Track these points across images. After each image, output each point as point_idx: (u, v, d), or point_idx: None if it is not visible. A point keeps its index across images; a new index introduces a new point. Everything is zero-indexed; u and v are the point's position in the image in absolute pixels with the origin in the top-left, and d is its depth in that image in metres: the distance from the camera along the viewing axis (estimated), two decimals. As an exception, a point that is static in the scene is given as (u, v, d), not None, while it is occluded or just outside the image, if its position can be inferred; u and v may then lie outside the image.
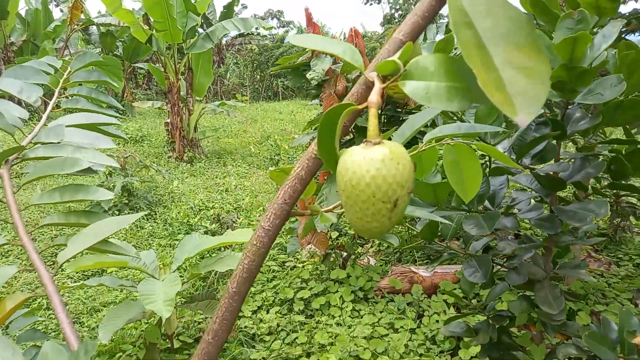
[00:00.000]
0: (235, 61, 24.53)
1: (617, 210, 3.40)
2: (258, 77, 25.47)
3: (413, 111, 3.23)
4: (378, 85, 0.47)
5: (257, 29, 12.81)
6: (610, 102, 1.52)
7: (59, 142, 1.12)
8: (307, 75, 2.82)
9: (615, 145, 1.79)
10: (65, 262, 0.81)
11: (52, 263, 3.83)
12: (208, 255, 3.51)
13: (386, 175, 0.42)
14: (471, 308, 2.05)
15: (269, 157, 6.13)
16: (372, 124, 0.45)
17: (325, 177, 3.16)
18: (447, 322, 2.06)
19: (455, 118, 1.62)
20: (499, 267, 1.89)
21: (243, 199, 5.48)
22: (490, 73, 0.42)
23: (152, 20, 7.49)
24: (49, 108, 1.44)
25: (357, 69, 2.05)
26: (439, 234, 1.88)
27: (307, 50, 3.15)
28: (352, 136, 2.99)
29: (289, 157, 7.66)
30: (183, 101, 8.57)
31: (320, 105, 2.96)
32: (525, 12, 2.05)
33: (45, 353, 0.61)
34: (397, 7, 35.74)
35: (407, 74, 0.46)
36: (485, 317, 1.98)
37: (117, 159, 5.06)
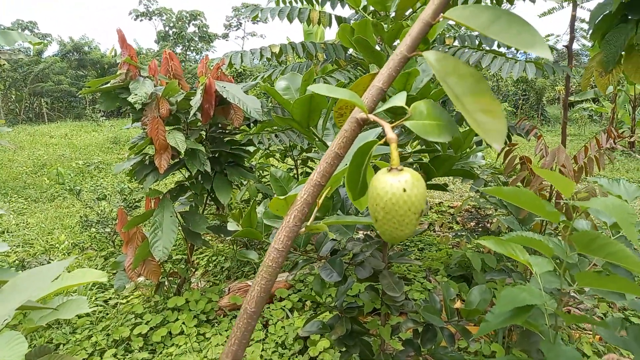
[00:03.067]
0: (-22, 78, 20.77)
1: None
2: (14, 96, 22.01)
3: (233, 132, 3.35)
4: (387, 125, 0.61)
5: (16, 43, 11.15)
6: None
7: None
8: (129, 99, 2.68)
9: (421, 155, 2.24)
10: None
11: None
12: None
13: (417, 193, 0.57)
14: (325, 307, 2.27)
15: (68, 187, 5.43)
16: (395, 155, 0.59)
17: (153, 204, 3.04)
18: (304, 325, 2.24)
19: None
20: (346, 265, 2.15)
21: (35, 239, 4.76)
22: (469, 116, 0.60)
23: None
24: None
25: (189, 94, 2.13)
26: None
27: (119, 73, 2.99)
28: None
29: (91, 185, 6.88)
30: None
31: (144, 129, 2.85)
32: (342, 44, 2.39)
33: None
34: (171, 24, 35.16)
35: (411, 116, 0.61)
36: (334, 313, 2.23)
37: None
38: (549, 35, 10.07)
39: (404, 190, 0.56)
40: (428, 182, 2.16)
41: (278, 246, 0.65)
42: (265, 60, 3.57)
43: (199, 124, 3.06)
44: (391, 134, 0.60)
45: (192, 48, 33.95)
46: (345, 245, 2.09)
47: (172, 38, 34.48)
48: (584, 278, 1.13)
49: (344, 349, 2.21)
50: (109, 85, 2.93)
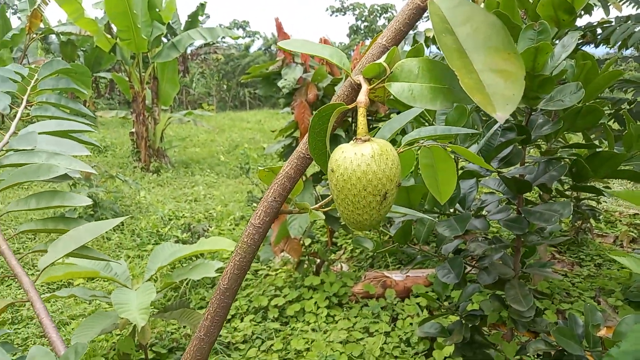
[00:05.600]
0: (200, 70, 24.31)
1: (579, 213, 3.55)
2: (225, 86, 25.32)
3: (382, 119, 3.29)
4: (365, 87, 0.50)
5: (223, 38, 12.77)
6: (570, 109, 1.60)
7: (32, 149, 1.11)
8: (279, 84, 2.85)
9: (575, 150, 1.88)
10: (45, 268, 0.80)
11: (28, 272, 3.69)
12: (179, 264, 3.46)
13: (376, 170, 0.45)
14: (444, 309, 2.10)
15: (239, 166, 6.10)
16: (362, 122, 0.48)
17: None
18: (422, 324, 2.10)
19: (426, 123, 1.68)
20: (470, 268, 1.94)
21: (213, 208, 5.44)
22: (471, 76, 0.46)
23: (115, 29, 7.38)
24: (18, 116, 1.41)
25: (336, 79, 2.09)
26: (412, 237, 1.92)
27: (277, 59, 3.18)
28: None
29: (258, 166, 7.64)
30: (148, 110, 8.45)
31: (292, 113, 2.99)
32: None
33: (33, 357, 0.60)
34: (362, 18, 36.31)
35: (393, 76, 0.49)
36: (458, 318, 2.03)
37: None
38: None
39: (359, 165, 0.45)
40: (582, 184, 1.80)
41: (255, 221, 0.59)
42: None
43: (346, 109, 3.08)
44: (362, 97, 0.49)
45: (380, 40, 34.60)
46: (467, 246, 1.88)
47: (362, 31, 35.61)
48: None
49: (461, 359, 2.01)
50: (268, 71, 3.14)
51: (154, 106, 8.52)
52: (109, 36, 7.69)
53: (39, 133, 1.24)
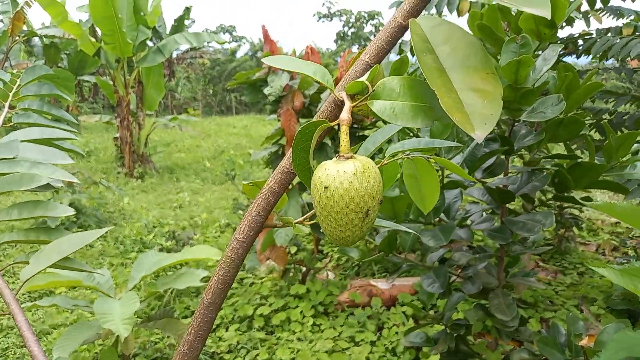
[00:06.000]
0: (186, 75, 24.15)
1: (561, 222, 3.60)
2: (211, 91, 25.21)
3: (368, 127, 3.31)
4: (348, 104, 0.50)
5: (209, 43, 12.72)
6: (552, 120, 1.63)
7: (14, 158, 1.09)
8: (265, 91, 2.85)
9: (557, 160, 1.91)
10: (27, 279, 0.79)
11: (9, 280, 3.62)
12: (163, 273, 3.43)
13: (358, 187, 0.45)
14: (430, 318, 2.11)
15: (224, 172, 6.07)
16: (344, 140, 0.48)
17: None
18: (407, 333, 2.11)
19: (411, 135, 1.69)
20: (455, 277, 1.96)
21: (198, 215, 5.40)
22: (450, 95, 0.46)
23: (100, 32, 7.31)
24: (0, 122, 1.39)
25: (322, 86, 2.12)
26: (398, 246, 1.93)
27: (263, 66, 3.18)
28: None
29: (244, 172, 7.62)
30: (133, 115, 8.38)
31: (278, 120, 2.99)
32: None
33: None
34: (349, 25, 36.54)
35: (375, 94, 0.50)
36: (443, 327, 2.04)
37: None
38: None
39: (341, 183, 0.45)
40: (564, 194, 1.83)
41: (239, 236, 0.59)
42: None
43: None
44: (344, 115, 0.49)
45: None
46: (452, 256, 1.89)
47: (349, 38, 35.83)
48: None
49: (445, 368, 2.01)
50: (254, 78, 3.14)
51: (139, 111, 8.45)
52: (93, 39, 7.62)
53: (22, 141, 1.23)
